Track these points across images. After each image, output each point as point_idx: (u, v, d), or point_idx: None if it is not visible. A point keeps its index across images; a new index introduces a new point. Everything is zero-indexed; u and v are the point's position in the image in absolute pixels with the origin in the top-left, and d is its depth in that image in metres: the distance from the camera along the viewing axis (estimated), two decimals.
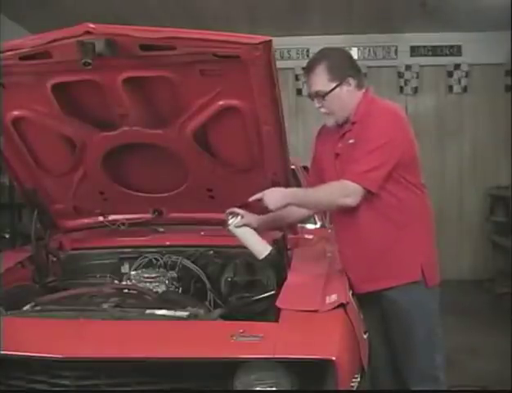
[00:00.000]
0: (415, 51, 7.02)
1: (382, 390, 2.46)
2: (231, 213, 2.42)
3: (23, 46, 2.05)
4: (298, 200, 2.32)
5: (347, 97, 2.30)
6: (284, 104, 2.19)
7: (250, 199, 2.31)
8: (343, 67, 2.31)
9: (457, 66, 6.96)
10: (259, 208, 2.57)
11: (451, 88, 7.01)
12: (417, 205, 2.33)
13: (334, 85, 2.27)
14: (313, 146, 2.55)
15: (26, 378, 1.78)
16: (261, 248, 2.41)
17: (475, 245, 7.04)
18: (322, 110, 2.32)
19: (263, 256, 2.41)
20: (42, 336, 1.83)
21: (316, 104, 2.32)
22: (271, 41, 1.94)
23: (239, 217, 2.40)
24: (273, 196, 2.27)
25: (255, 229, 2.42)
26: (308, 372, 1.72)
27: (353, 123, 2.31)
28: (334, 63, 2.29)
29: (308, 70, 2.33)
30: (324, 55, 2.34)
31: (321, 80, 2.27)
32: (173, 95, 2.21)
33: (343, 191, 2.21)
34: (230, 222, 2.41)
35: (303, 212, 2.53)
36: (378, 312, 2.37)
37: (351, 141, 2.29)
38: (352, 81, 2.30)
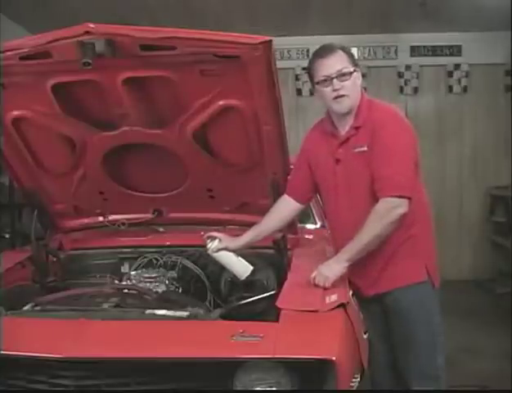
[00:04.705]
0: (415, 51, 7.00)
1: (382, 390, 2.46)
2: (209, 237, 2.45)
3: (23, 46, 2.05)
4: (354, 253, 2.19)
5: (358, 86, 2.30)
6: (284, 104, 2.19)
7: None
8: (354, 58, 2.33)
9: (457, 66, 6.94)
10: (258, 206, 2.56)
11: (451, 88, 6.99)
12: (419, 206, 2.32)
13: (353, 68, 2.27)
14: (302, 148, 2.48)
15: (26, 378, 1.78)
16: (241, 269, 2.45)
17: (475, 245, 7.02)
18: (341, 91, 2.24)
19: (244, 277, 2.46)
20: (42, 336, 1.83)
21: (336, 85, 2.23)
22: (271, 41, 1.95)
23: (216, 241, 2.43)
24: (330, 268, 2.17)
25: (234, 251, 2.44)
26: (308, 372, 1.72)
27: (357, 128, 2.27)
28: (349, 52, 2.33)
29: (328, 51, 2.28)
30: (337, 44, 2.33)
31: (344, 61, 2.26)
32: (173, 95, 2.21)
33: (391, 205, 2.15)
34: (208, 246, 2.44)
35: (280, 223, 2.49)
36: (378, 312, 2.37)
37: (362, 149, 2.24)
38: (360, 74, 2.32)
